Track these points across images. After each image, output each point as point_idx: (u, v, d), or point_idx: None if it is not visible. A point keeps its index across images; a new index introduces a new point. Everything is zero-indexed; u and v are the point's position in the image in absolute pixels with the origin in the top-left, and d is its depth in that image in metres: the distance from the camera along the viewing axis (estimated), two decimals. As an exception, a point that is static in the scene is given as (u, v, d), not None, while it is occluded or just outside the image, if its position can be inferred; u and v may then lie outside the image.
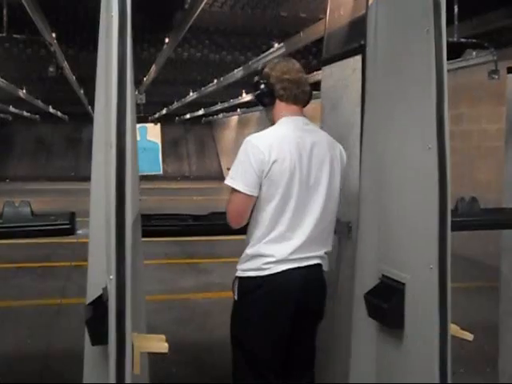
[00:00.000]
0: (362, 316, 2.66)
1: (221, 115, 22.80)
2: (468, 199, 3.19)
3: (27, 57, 7.51)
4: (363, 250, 2.76)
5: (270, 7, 5.31)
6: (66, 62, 7.59)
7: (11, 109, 17.70)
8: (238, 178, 2.52)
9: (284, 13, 5.44)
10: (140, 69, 9.20)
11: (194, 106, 18.15)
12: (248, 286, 2.59)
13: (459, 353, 2.70)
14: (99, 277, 2.36)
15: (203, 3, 4.24)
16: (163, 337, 2.18)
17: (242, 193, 2.51)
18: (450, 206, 2.27)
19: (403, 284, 2.44)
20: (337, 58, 3.16)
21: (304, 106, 2.74)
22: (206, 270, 7.69)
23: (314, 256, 2.63)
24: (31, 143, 25.23)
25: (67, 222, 2.77)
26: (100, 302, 2.25)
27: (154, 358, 4.52)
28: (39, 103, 15.38)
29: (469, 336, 2.41)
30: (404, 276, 2.44)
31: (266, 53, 7.06)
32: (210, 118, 25.32)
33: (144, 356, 2.59)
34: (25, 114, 19.97)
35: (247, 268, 2.59)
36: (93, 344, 2.22)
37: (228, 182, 2.55)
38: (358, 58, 2.90)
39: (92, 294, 2.38)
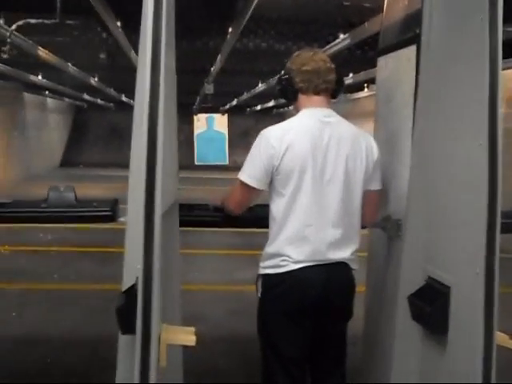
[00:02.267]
0: (406, 319, 2.55)
1: (291, 107, 22.70)
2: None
3: (95, 44, 7.63)
4: (410, 250, 2.64)
5: (332, -4, 5.21)
6: (133, 52, 7.67)
7: (85, 96, 18.16)
8: (245, 169, 2.54)
9: (347, 2, 5.32)
10: (207, 58, 9.23)
11: (264, 97, 18.12)
12: (268, 282, 2.57)
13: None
14: (135, 265, 2.34)
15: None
16: (192, 329, 2.14)
17: (242, 182, 2.53)
18: (500, 207, 2.13)
19: (448, 287, 2.32)
20: (392, 48, 3.04)
21: (333, 97, 2.67)
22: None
23: (336, 256, 2.55)
24: (105, 130, 25.85)
25: (109, 209, 2.78)
26: (132, 291, 2.23)
27: (201, 349, 4.55)
28: (112, 91, 15.68)
29: (518, 346, 2.26)
30: (449, 279, 2.32)
31: (332, 44, 6.93)
32: (281, 109, 25.26)
33: (176, 349, 2.57)
34: (99, 101, 20.45)
35: (267, 265, 2.58)
36: (122, 333, 2.20)
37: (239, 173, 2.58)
38: (413, 47, 2.77)
39: (127, 282, 2.37)
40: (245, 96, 17.48)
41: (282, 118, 29.98)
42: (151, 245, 1.97)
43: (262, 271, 2.60)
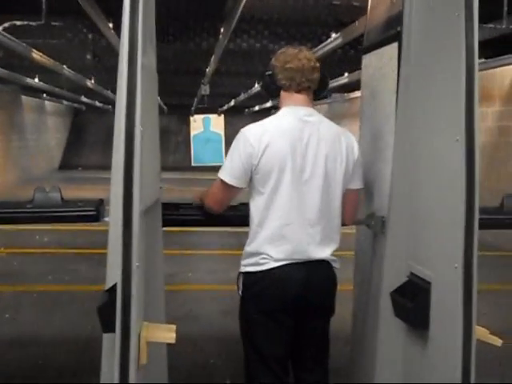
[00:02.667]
0: (389, 315, 2.56)
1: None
2: (515, 196, 3.03)
3: (88, 46, 7.65)
4: (392, 246, 2.65)
5: (320, -4, 5.23)
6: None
7: (83, 99, 18.17)
8: (225, 168, 2.55)
9: (337, 1, 5.34)
10: (202, 59, 9.24)
11: (261, 97, 18.13)
12: (248, 280, 2.58)
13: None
14: (117, 264, 2.35)
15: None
16: (173, 327, 2.15)
17: (222, 180, 2.54)
18: (477, 203, 2.14)
19: (429, 283, 2.33)
20: (375, 46, 3.05)
21: (316, 95, 2.67)
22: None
23: (317, 254, 2.56)
24: (103, 133, 25.86)
25: (93, 209, 2.79)
26: (114, 290, 2.24)
27: (193, 348, 4.55)
28: (109, 93, 15.70)
29: (497, 341, 2.27)
30: (430, 274, 2.33)
31: (324, 43, 6.95)
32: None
33: (160, 346, 2.58)
34: (97, 104, 20.46)
35: (247, 263, 2.59)
36: (103, 331, 2.21)
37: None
38: (395, 45, 2.78)
39: (109, 281, 2.37)
40: (242, 97, 17.50)
41: (280, 118, 29.75)
42: (130, 243, 1.98)
43: (243, 269, 2.61)
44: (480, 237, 2.15)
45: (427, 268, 2.35)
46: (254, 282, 2.56)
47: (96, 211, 2.78)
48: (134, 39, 1.98)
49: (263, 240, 2.53)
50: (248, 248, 2.59)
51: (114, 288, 2.24)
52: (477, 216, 2.13)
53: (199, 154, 21.47)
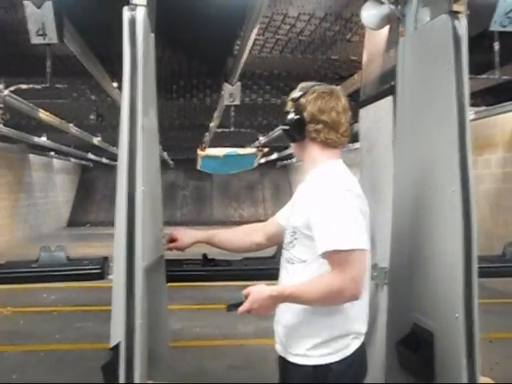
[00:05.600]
0: (394, 367, 2.55)
1: (294, 159, 22.87)
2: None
3: (95, 105, 7.81)
4: (395, 297, 2.67)
5: (319, 51, 5.34)
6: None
7: (90, 156, 18.38)
8: (350, 234, 2.09)
9: (334, 56, 5.47)
10: (206, 115, 9.40)
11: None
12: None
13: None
14: (121, 321, 2.37)
15: (248, 48, 4.32)
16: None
17: (360, 250, 2.09)
18: (475, 253, 2.17)
19: (432, 334, 2.34)
20: (371, 99, 3.13)
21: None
22: (268, 316, 7.61)
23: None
24: (111, 189, 26.05)
25: (98, 267, 2.82)
26: (118, 348, 2.26)
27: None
28: (115, 150, 15.89)
29: (503, 390, 2.27)
30: (432, 325, 2.34)
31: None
32: (285, 161, 25.46)
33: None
34: (104, 160, 20.67)
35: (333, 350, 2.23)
36: (107, 390, 2.22)
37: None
38: (390, 98, 2.86)
39: (114, 339, 2.39)
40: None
41: (286, 170, 30.13)
42: (132, 301, 2.02)
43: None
44: (488, 285, 2.16)
45: (429, 319, 2.36)
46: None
47: (101, 269, 2.82)
48: (134, 101, 2.06)
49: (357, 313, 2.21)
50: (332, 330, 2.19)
51: (117, 346, 2.26)
52: (475, 266, 2.16)
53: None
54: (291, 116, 2.29)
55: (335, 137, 2.26)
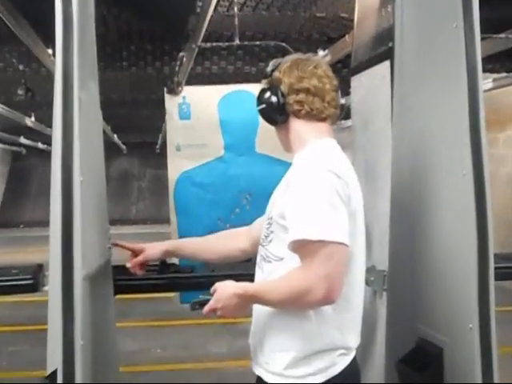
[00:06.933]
0: (396, 388, 2.58)
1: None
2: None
3: (25, 78, 7.73)
4: (395, 306, 2.69)
5: (301, 7, 5.31)
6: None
7: (23, 140, 18.22)
8: (330, 225, 2.09)
9: (320, 13, 5.45)
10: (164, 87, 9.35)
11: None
12: None
13: None
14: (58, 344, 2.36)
15: (213, 4, 4.28)
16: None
17: (341, 244, 2.07)
18: (492, 248, 2.18)
19: (441, 349, 2.35)
20: (365, 65, 3.14)
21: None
22: (244, 332, 7.63)
23: None
24: (49, 181, 25.88)
25: (30, 277, 2.80)
26: (55, 377, 2.24)
27: None
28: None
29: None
30: (441, 339, 2.36)
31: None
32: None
33: None
34: (40, 145, 20.51)
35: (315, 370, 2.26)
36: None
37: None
38: (387, 63, 2.87)
39: (50, 365, 2.38)
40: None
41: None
42: (71, 317, 2.00)
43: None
44: (511, 287, 2.17)
45: (437, 331, 2.38)
46: None
47: (34, 279, 2.79)
48: (69, 71, 2.03)
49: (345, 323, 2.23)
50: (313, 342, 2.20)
51: (54, 374, 2.25)
52: (491, 266, 2.17)
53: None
54: (267, 94, 2.36)
55: (321, 106, 2.32)
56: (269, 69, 2.42)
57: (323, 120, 2.34)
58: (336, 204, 2.08)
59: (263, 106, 2.38)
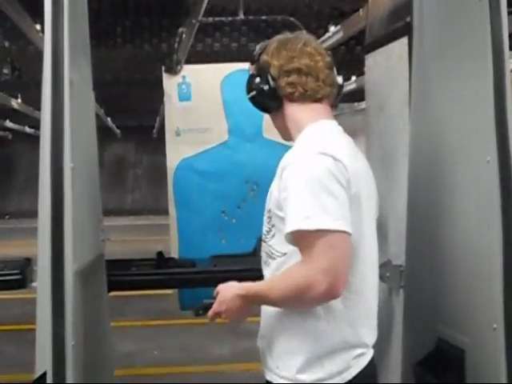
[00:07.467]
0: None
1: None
2: None
3: (8, 54, 7.75)
4: (413, 303, 2.69)
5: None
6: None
7: (8, 124, 18.25)
8: (329, 213, 2.08)
9: (331, -14, 5.46)
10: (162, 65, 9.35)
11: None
12: None
13: None
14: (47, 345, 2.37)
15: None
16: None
17: (343, 232, 2.07)
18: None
19: (463, 351, 2.36)
20: (380, 42, 3.13)
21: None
22: (248, 333, 7.65)
23: None
24: (37, 168, 25.92)
25: (17, 272, 2.80)
26: (43, 380, 2.25)
27: None
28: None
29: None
30: (463, 340, 2.36)
31: (322, 38, 7.07)
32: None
33: None
34: (27, 130, 20.55)
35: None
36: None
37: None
38: (404, 40, 2.86)
39: (39, 367, 2.39)
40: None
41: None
42: (61, 315, 2.00)
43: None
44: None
45: (458, 331, 2.39)
46: None
47: (21, 274, 2.80)
48: (59, 48, 2.02)
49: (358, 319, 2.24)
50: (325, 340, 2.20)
51: (43, 377, 2.26)
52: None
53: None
54: (256, 80, 2.39)
55: (315, 85, 2.33)
56: (255, 52, 2.45)
57: (319, 101, 2.35)
58: (333, 189, 2.08)
59: (254, 92, 2.41)
